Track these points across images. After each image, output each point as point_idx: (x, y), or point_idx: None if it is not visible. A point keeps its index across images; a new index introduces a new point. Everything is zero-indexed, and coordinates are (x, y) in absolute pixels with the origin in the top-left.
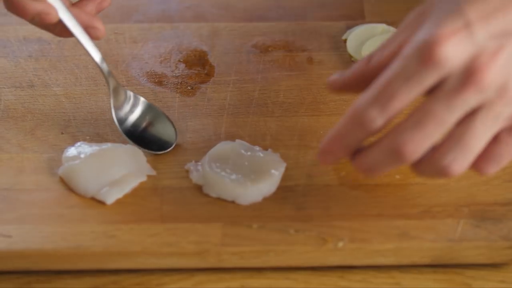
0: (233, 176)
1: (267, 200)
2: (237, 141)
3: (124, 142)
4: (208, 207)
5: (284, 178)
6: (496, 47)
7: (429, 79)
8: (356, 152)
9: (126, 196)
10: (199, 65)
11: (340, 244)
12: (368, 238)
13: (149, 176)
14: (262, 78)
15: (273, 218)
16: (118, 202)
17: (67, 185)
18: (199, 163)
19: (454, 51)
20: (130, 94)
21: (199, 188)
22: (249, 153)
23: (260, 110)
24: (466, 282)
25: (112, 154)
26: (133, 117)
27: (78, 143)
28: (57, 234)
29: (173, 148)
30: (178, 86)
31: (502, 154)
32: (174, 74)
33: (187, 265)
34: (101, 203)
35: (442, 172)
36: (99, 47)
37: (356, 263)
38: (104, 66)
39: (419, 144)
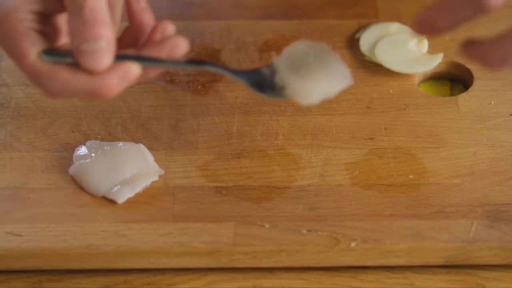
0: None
1: (279, 199)
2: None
3: (135, 141)
4: (220, 206)
5: (297, 177)
6: None
7: None
8: (472, 43)
9: (137, 195)
10: None
11: (353, 244)
12: (381, 238)
13: (160, 175)
14: None
15: (286, 218)
16: (130, 201)
17: (78, 184)
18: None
19: None
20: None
21: (211, 188)
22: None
23: (272, 109)
24: (479, 283)
25: (123, 153)
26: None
27: (89, 142)
28: (68, 233)
29: (184, 147)
30: (190, 85)
31: None
32: (186, 72)
33: (198, 265)
34: (112, 202)
35: None
36: None
37: (369, 263)
38: (217, 68)
39: None
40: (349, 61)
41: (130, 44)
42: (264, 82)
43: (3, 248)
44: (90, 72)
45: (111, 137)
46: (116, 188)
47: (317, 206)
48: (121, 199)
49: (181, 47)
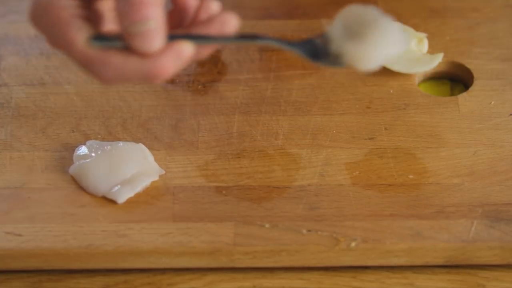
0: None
1: (279, 199)
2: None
3: (135, 141)
4: (220, 206)
5: (297, 177)
6: None
7: None
8: None
9: (137, 195)
10: (211, 63)
11: (353, 244)
12: (381, 238)
13: (160, 175)
14: (274, 76)
15: (286, 218)
16: (130, 201)
17: (78, 184)
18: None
19: None
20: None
21: (211, 188)
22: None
23: (272, 109)
24: (479, 283)
25: (123, 153)
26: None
27: (89, 142)
28: (68, 233)
29: (185, 147)
30: (190, 85)
31: None
32: (186, 72)
33: (198, 265)
34: (112, 202)
35: None
36: None
37: (369, 263)
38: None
39: None
40: None
41: (176, 27)
42: (318, 52)
43: (3, 248)
44: (142, 55)
45: (111, 137)
46: (116, 188)
47: (317, 206)
48: (121, 199)
49: (231, 23)
